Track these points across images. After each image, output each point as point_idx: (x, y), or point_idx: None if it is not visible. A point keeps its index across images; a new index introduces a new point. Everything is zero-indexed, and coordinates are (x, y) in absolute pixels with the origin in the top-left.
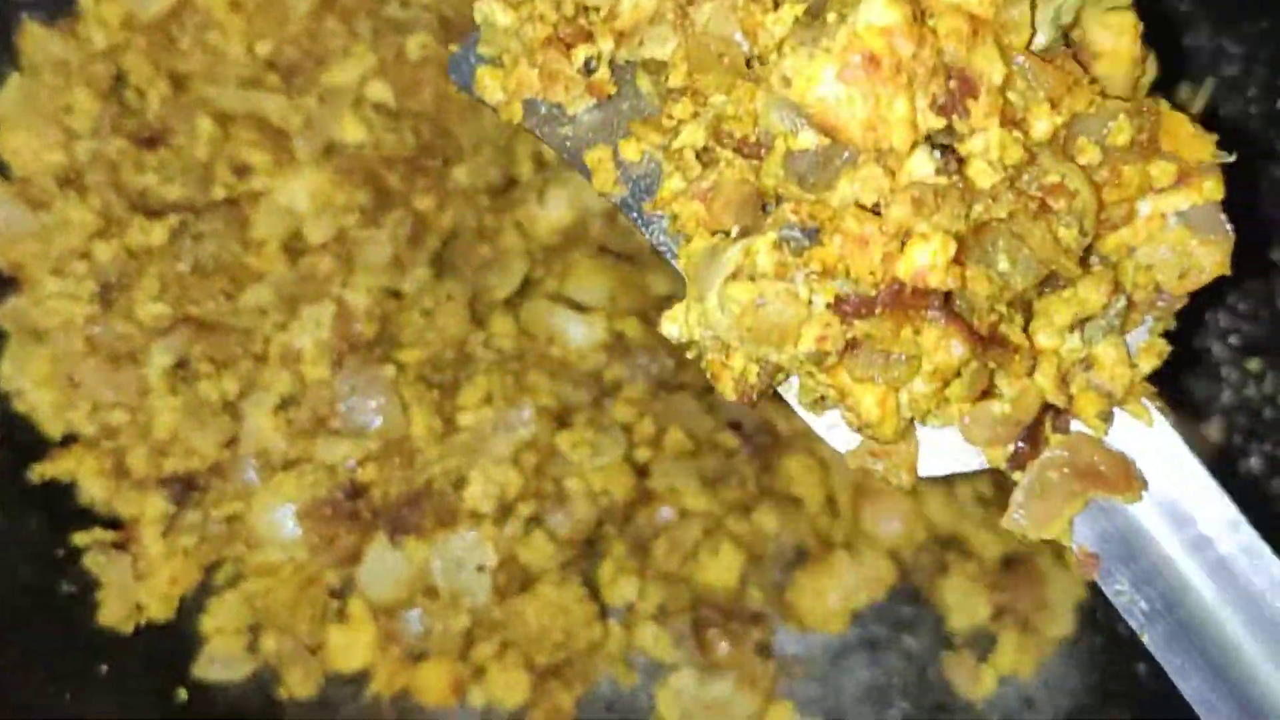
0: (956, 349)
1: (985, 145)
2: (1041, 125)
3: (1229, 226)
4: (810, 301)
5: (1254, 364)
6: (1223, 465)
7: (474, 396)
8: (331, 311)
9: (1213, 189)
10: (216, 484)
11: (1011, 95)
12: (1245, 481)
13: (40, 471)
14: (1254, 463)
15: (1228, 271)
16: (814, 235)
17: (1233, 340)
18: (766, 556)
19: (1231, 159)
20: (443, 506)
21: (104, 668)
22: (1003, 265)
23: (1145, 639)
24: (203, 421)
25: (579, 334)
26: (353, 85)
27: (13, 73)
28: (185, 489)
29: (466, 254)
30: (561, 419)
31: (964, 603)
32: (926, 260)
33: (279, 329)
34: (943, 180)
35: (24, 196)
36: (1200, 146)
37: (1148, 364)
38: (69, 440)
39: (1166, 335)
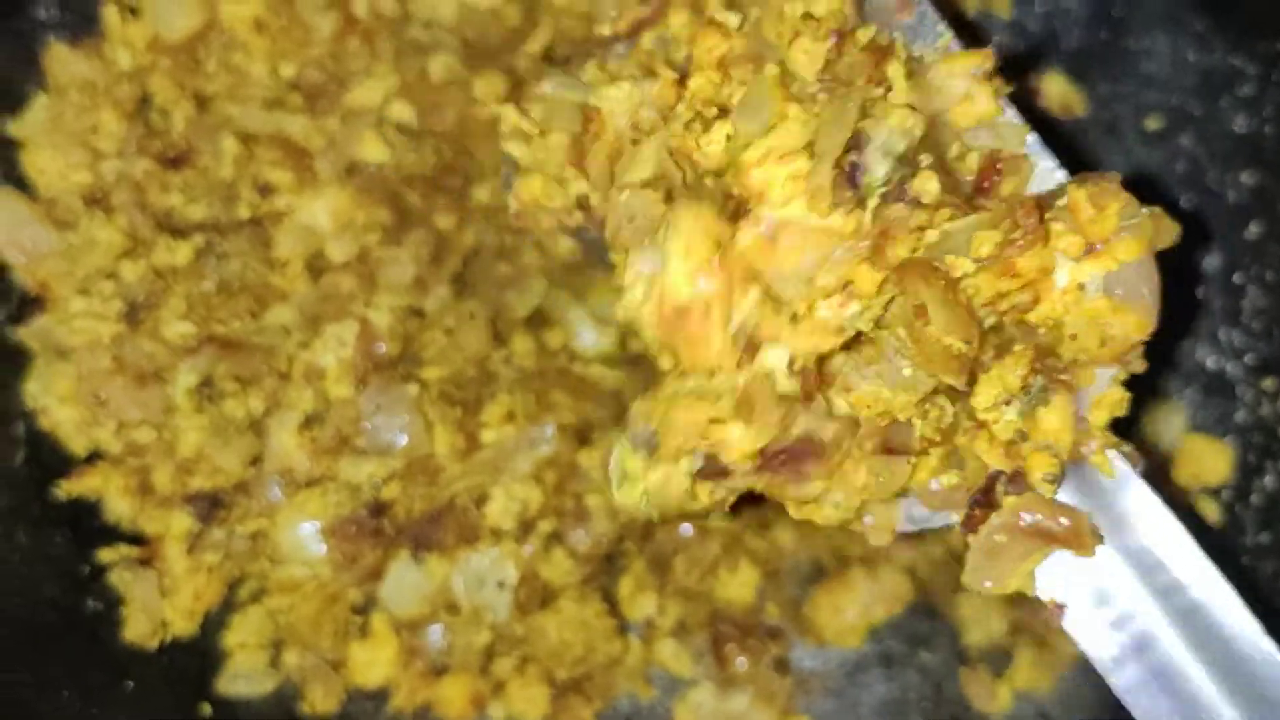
0: (895, 472)
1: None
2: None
3: (1147, 290)
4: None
5: (1269, 383)
6: (1239, 484)
7: (496, 414)
8: (355, 330)
9: (1128, 249)
10: (241, 501)
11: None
12: (1262, 499)
13: (65, 489)
14: (1269, 480)
15: (1147, 335)
16: (652, 439)
17: (1248, 359)
18: (784, 572)
19: (1146, 212)
20: (465, 523)
21: (129, 684)
22: (886, 389)
23: (1112, 683)
24: (227, 439)
25: (593, 343)
26: (375, 106)
27: (39, 94)
28: (210, 506)
29: (487, 272)
30: (583, 436)
31: (980, 619)
32: (739, 443)
33: (302, 347)
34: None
35: (50, 216)
36: (1103, 221)
37: (1103, 415)
38: (94, 458)
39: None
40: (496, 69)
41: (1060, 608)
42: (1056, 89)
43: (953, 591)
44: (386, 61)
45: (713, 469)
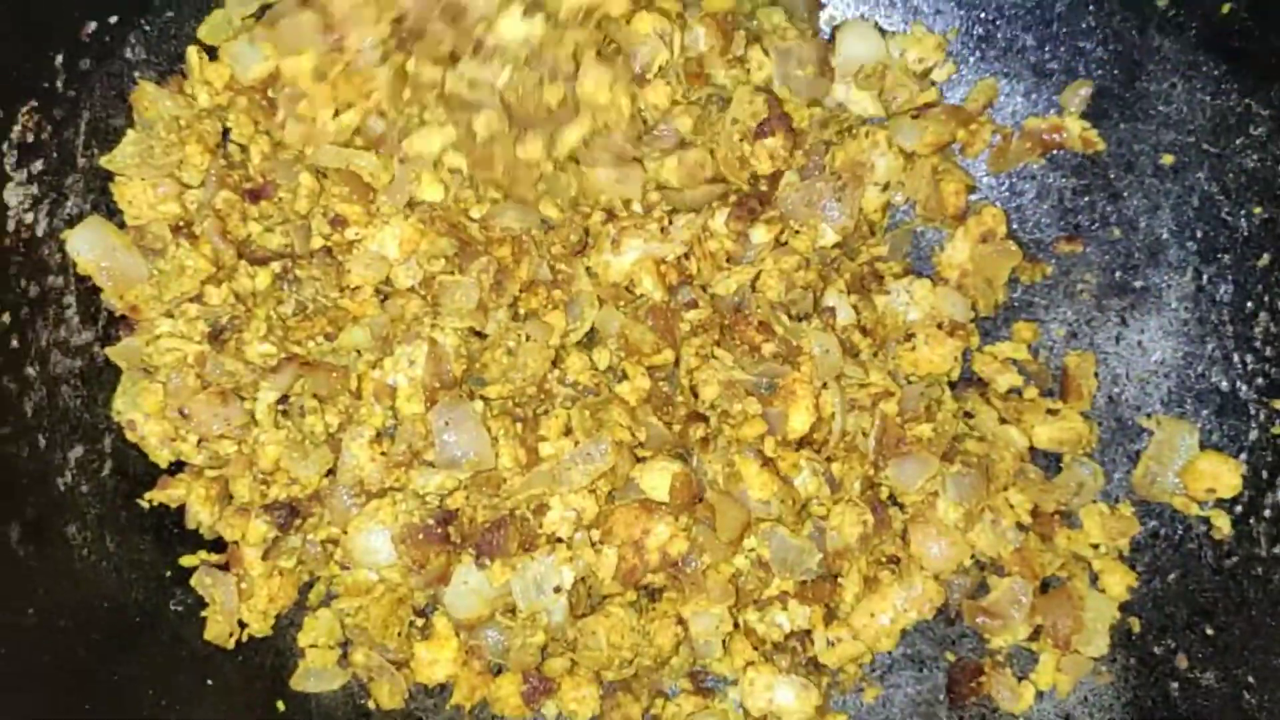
0: None
1: None
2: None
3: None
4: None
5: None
6: (1251, 499)
7: (555, 429)
8: (424, 350)
9: None
10: (315, 510)
11: None
12: (1274, 513)
13: (150, 498)
14: None
15: None
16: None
17: (1259, 381)
18: (821, 579)
19: None
20: (525, 531)
21: (209, 682)
22: None
23: None
24: (305, 453)
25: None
26: (433, 154)
27: (128, 129)
28: (289, 515)
29: (543, 298)
30: (636, 451)
31: (1004, 622)
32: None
33: (374, 367)
34: None
35: (139, 244)
36: None
37: None
38: (177, 469)
39: None
40: (539, 134)
41: None
42: (1077, 127)
43: (978, 597)
44: (440, 113)
45: None
